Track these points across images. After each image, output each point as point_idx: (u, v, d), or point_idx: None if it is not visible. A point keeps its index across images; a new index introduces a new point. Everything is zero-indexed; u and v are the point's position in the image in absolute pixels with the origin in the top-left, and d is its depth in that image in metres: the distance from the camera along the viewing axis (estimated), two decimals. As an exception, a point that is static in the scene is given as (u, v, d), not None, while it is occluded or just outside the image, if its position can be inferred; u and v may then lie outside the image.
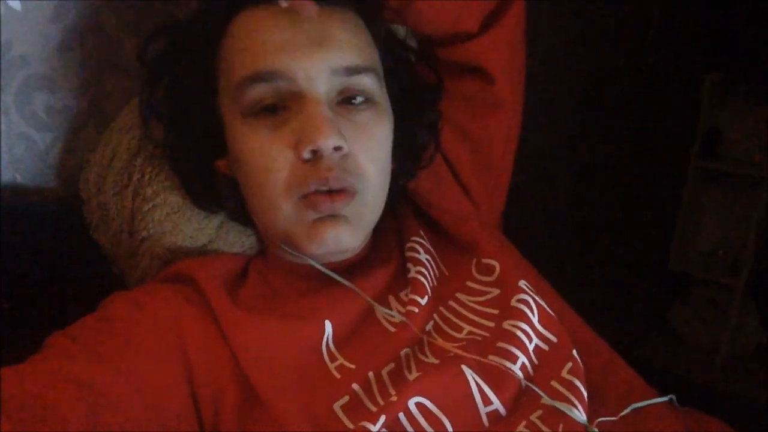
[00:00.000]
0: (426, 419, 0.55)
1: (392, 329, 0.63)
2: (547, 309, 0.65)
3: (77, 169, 0.78)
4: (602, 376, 0.62)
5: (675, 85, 2.11)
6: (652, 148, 2.10)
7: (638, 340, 2.05)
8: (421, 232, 0.73)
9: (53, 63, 0.76)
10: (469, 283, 0.69)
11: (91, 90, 0.80)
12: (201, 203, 0.70)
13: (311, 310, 0.62)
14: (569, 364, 0.60)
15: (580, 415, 0.56)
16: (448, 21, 0.73)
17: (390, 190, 0.66)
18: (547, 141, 1.62)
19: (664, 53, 2.00)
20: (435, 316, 0.65)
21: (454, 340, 0.62)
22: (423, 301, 0.64)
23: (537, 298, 0.65)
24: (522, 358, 0.60)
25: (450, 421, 0.55)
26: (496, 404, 0.57)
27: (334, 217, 0.60)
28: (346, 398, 0.56)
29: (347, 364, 0.60)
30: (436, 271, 0.70)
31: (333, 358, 0.60)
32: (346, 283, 0.64)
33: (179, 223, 0.70)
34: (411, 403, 0.55)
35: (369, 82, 0.63)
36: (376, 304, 0.64)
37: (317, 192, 0.59)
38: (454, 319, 0.65)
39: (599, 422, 0.56)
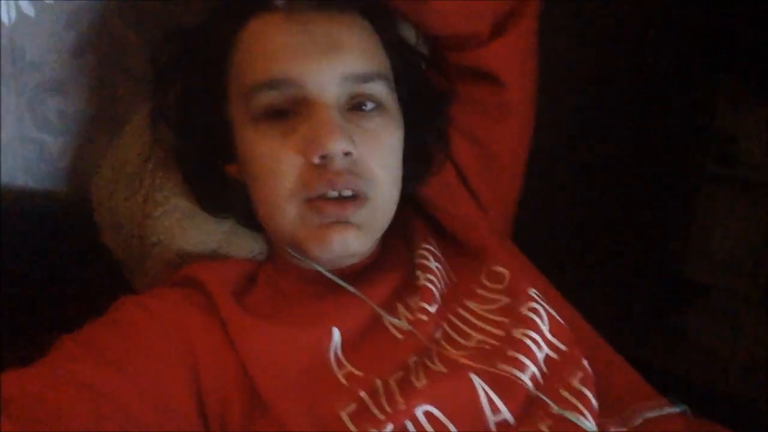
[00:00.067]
0: (433, 427, 0.54)
1: (400, 336, 0.62)
2: (558, 318, 0.64)
3: (89, 174, 0.79)
4: (611, 384, 0.61)
5: (684, 87, 2.09)
6: (653, 149, 2.08)
7: (646, 344, 2.02)
8: (431, 240, 0.72)
9: (66, 68, 0.77)
10: (479, 291, 0.68)
11: (103, 95, 0.81)
12: (211, 208, 0.70)
13: (319, 317, 0.62)
14: (579, 374, 0.59)
15: (590, 425, 0.55)
16: (459, 22, 0.73)
17: (400, 196, 0.66)
18: (548, 141, 1.60)
19: (664, 53, 1.98)
20: (444, 324, 0.65)
21: (463, 348, 0.62)
22: (432, 309, 0.63)
23: (547, 306, 0.65)
24: (531, 367, 0.59)
25: (458, 430, 0.55)
26: (505, 413, 0.56)
27: (341, 224, 0.60)
28: (354, 405, 0.56)
29: (355, 371, 0.59)
30: (446, 278, 0.69)
31: (341, 366, 0.60)
32: (353, 290, 0.64)
33: (189, 228, 0.70)
34: (419, 411, 0.55)
35: (379, 89, 0.63)
36: (383, 313, 0.64)
37: (326, 199, 0.59)
38: (463, 327, 0.65)
39: (609, 432, 0.56)
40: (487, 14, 0.73)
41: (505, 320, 0.64)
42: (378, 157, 0.62)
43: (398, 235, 0.73)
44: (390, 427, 0.53)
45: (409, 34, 0.75)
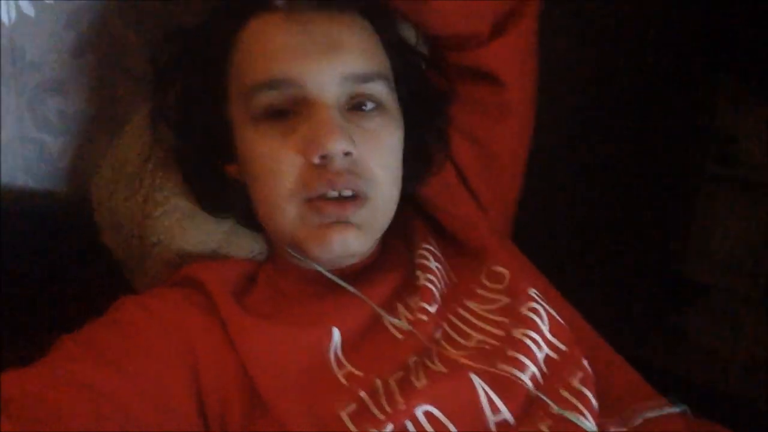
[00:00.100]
0: (433, 427, 0.54)
1: (400, 336, 0.62)
2: (558, 318, 0.64)
3: (89, 174, 0.79)
4: (611, 384, 0.61)
5: (684, 87, 2.09)
6: (653, 149, 2.08)
7: (646, 344, 2.02)
8: (431, 240, 0.72)
9: (66, 69, 0.77)
10: (479, 291, 0.68)
11: (103, 95, 0.81)
12: (210, 208, 0.70)
13: (319, 317, 0.62)
14: (579, 374, 0.59)
15: (589, 425, 0.55)
16: (459, 22, 0.73)
17: (400, 196, 0.66)
18: (548, 141, 1.60)
19: (664, 53, 1.98)
20: (444, 324, 0.65)
21: (463, 348, 0.62)
22: (432, 309, 0.63)
23: (547, 306, 0.65)
24: (531, 367, 0.59)
25: (458, 430, 0.54)
26: (505, 413, 0.56)
27: (341, 223, 0.60)
28: (353, 405, 0.56)
29: (355, 371, 0.59)
30: (446, 278, 0.69)
31: (340, 366, 0.60)
32: (353, 290, 0.64)
33: (189, 228, 0.70)
34: (419, 411, 0.55)
35: (379, 89, 0.63)
36: (383, 313, 0.64)
37: (325, 199, 0.59)
38: (463, 327, 0.65)
39: (609, 432, 0.56)
40: (487, 14, 0.73)
41: (505, 320, 0.64)
42: (378, 157, 0.62)
43: (398, 235, 0.73)
44: (390, 427, 0.53)
45: (409, 34, 0.75)
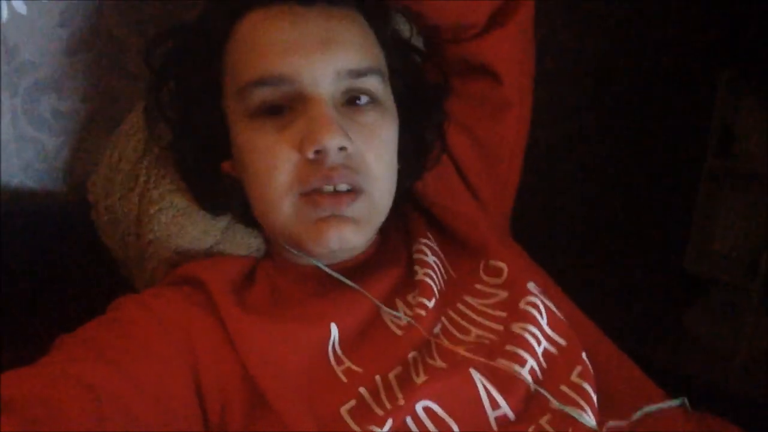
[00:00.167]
0: (434, 423, 0.54)
1: (399, 332, 0.62)
2: (556, 312, 0.64)
3: (85, 173, 0.79)
4: (611, 378, 0.61)
5: (683, 83, 2.09)
6: (658, 146, 2.08)
7: (647, 341, 2.02)
8: (429, 234, 0.72)
9: (60, 67, 0.77)
10: (477, 286, 0.68)
11: (98, 93, 0.80)
12: (207, 205, 0.70)
13: (317, 313, 0.62)
14: (578, 368, 0.59)
15: (589, 419, 0.55)
16: (455, 11, 0.73)
17: (396, 190, 0.66)
18: (553, 138, 1.61)
19: (673, 50, 1.98)
20: (443, 318, 0.65)
21: (462, 343, 0.62)
22: (430, 304, 0.63)
23: (546, 300, 0.64)
24: (531, 362, 0.59)
25: (458, 425, 0.54)
26: (505, 408, 0.56)
27: (337, 217, 0.60)
28: (353, 402, 0.56)
29: (354, 367, 0.59)
30: (444, 273, 0.69)
31: (340, 362, 0.60)
32: (352, 285, 0.64)
33: (185, 225, 0.70)
34: (419, 407, 0.55)
35: (374, 84, 0.63)
36: (383, 307, 0.64)
37: (321, 192, 0.59)
38: (462, 322, 0.64)
39: (609, 427, 0.55)
40: (483, 4, 0.73)
41: (504, 315, 0.64)
42: (373, 151, 0.61)
43: (396, 229, 0.73)
44: (390, 422, 0.53)
45: (404, 28, 0.74)
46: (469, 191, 0.80)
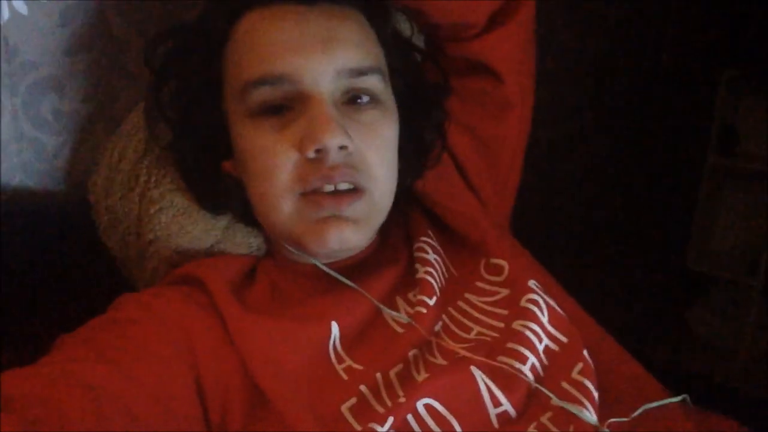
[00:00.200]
0: (435, 421, 0.54)
1: (400, 330, 0.62)
2: (558, 309, 0.64)
3: (86, 173, 0.79)
4: (612, 376, 0.61)
5: (685, 82, 2.09)
6: (659, 146, 2.09)
7: (648, 340, 2.02)
8: (430, 232, 0.72)
9: (60, 67, 0.76)
10: (478, 284, 0.68)
11: (98, 93, 0.80)
12: (207, 205, 0.70)
13: (318, 312, 0.62)
14: (579, 365, 0.59)
15: (590, 416, 0.55)
16: (456, 10, 0.73)
17: (397, 189, 0.66)
18: (554, 137, 1.61)
19: (674, 49, 1.98)
20: (444, 316, 0.65)
21: (463, 340, 0.62)
22: (431, 302, 0.63)
23: (547, 298, 0.64)
24: (532, 359, 0.59)
25: (459, 423, 0.54)
26: (506, 405, 0.56)
27: (338, 218, 0.60)
28: (354, 400, 0.56)
29: (354, 365, 0.59)
30: (445, 271, 0.69)
31: (340, 360, 0.60)
32: (351, 284, 0.63)
33: (186, 224, 0.70)
34: (419, 405, 0.55)
35: (374, 83, 0.63)
36: (382, 306, 0.64)
37: (321, 192, 0.59)
38: (463, 320, 0.64)
39: (610, 423, 0.55)
40: (484, 3, 0.73)
41: (505, 312, 0.63)
42: (374, 150, 0.61)
43: (398, 229, 0.73)
44: (391, 420, 0.53)
45: (405, 27, 0.74)
46: (470, 190, 0.80)
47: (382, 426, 0.53)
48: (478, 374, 0.57)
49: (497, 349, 0.59)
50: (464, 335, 0.63)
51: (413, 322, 0.61)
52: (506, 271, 0.67)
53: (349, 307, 0.63)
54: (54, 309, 0.68)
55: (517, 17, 0.75)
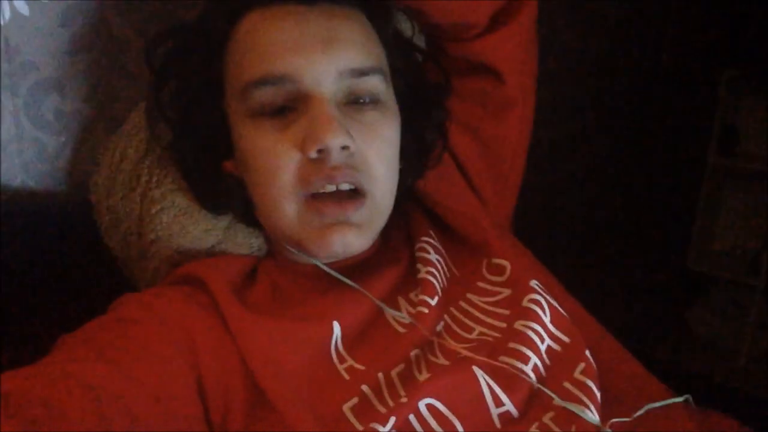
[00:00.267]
0: (437, 421, 0.54)
1: (402, 330, 0.62)
2: (560, 309, 0.64)
3: (87, 173, 0.79)
4: (614, 376, 0.61)
5: (686, 82, 2.09)
6: (660, 146, 2.09)
7: (649, 340, 2.02)
8: (431, 232, 0.72)
9: (62, 67, 0.76)
10: (480, 284, 0.68)
11: (100, 93, 0.80)
12: (208, 205, 0.70)
13: (319, 312, 0.62)
14: (582, 365, 0.59)
15: (592, 416, 0.55)
16: (458, 10, 0.72)
17: (398, 189, 0.66)
18: (556, 137, 1.61)
19: (674, 49, 1.98)
20: (445, 316, 0.64)
21: (465, 341, 0.62)
22: (433, 302, 0.63)
23: (549, 298, 0.64)
24: (534, 359, 0.59)
25: (461, 423, 0.54)
26: (508, 405, 0.56)
27: (341, 222, 0.60)
28: (355, 399, 0.56)
29: (356, 365, 0.59)
30: (447, 271, 0.69)
31: (342, 360, 0.60)
32: (353, 284, 0.63)
33: (187, 225, 0.70)
34: (421, 405, 0.55)
35: (376, 83, 0.63)
36: (384, 306, 0.63)
37: (324, 195, 0.59)
38: (465, 320, 0.64)
39: (612, 423, 0.55)
40: (485, 3, 0.73)
41: (507, 312, 0.63)
42: (376, 150, 0.61)
43: (399, 229, 0.73)
44: (392, 420, 0.53)
45: (406, 26, 0.74)
46: (471, 190, 0.80)
47: (384, 426, 0.52)
48: (480, 374, 0.57)
49: (499, 349, 0.59)
50: (466, 335, 0.62)
51: (415, 322, 0.61)
52: (508, 271, 0.67)
53: (350, 306, 0.63)
54: (54, 309, 0.68)
55: (519, 17, 0.75)
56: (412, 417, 0.54)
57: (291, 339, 0.59)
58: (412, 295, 0.65)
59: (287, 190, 0.60)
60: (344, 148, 0.58)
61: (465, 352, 0.59)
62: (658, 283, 2.22)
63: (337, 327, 0.61)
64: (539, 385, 0.57)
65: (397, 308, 0.64)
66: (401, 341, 0.61)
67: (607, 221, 1.94)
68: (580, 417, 0.55)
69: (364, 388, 0.56)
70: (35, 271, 0.72)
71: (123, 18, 0.80)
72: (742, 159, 2.28)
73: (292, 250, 0.65)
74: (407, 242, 0.72)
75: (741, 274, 2.26)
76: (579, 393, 0.57)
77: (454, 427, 0.54)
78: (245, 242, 0.72)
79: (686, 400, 0.62)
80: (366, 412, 0.55)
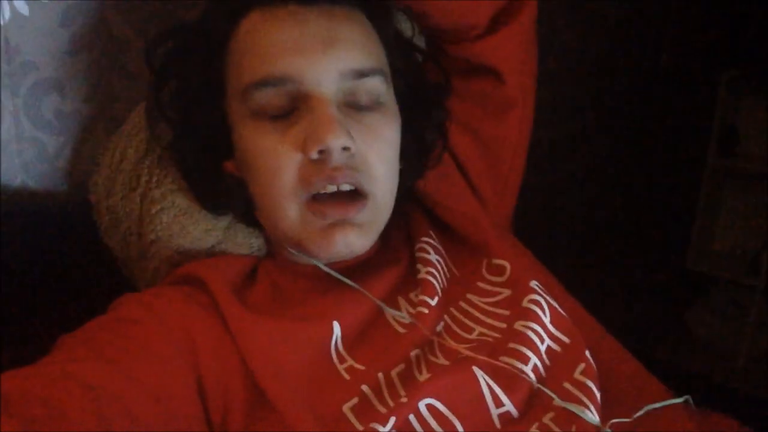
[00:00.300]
0: (437, 421, 0.54)
1: (402, 330, 0.62)
2: (559, 309, 0.64)
3: (87, 173, 0.78)
4: (614, 376, 0.61)
5: (686, 82, 2.09)
6: (659, 146, 2.09)
7: (648, 340, 2.02)
8: (431, 233, 0.72)
9: (62, 67, 0.76)
10: (480, 284, 0.68)
11: (99, 93, 0.80)
12: (208, 205, 0.70)
13: (319, 312, 0.62)
14: (582, 365, 0.59)
15: (592, 416, 0.55)
16: (458, 12, 0.72)
17: (398, 190, 0.66)
18: (556, 138, 1.61)
19: (674, 49, 1.98)
20: (445, 317, 0.65)
21: (465, 341, 0.62)
22: (433, 302, 0.63)
23: (549, 298, 0.64)
24: (534, 359, 0.59)
25: (461, 423, 0.54)
26: (508, 406, 0.56)
27: (343, 223, 0.60)
28: (356, 400, 0.56)
29: (356, 365, 0.59)
30: (447, 271, 0.69)
31: (342, 360, 0.60)
32: (353, 284, 0.63)
33: (187, 225, 0.70)
34: (421, 405, 0.55)
35: (376, 84, 0.63)
36: (384, 306, 0.63)
37: (324, 195, 0.59)
38: (465, 320, 0.64)
39: (612, 423, 0.55)
40: (485, 5, 0.73)
41: (507, 313, 0.63)
42: (376, 151, 0.61)
43: (399, 230, 0.73)
44: (393, 420, 0.53)
45: (406, 27, 0.74)
46: (471, 190, 0.80)
47: (384, 426, 0.52)
48: (480, 374, 0.57)
49: (499, 350, 0.59)
50: (466, 335, 0.62)
51: (415, 322, 0.61)
52: (508, 272, 0.67)
53: (350, 307, 0.63)
54: (54, 309, 0.68)
55: (519, 18, 0.75)
56: (412, 417, 0.54)
57: (291, 339, 0.59)
58: (412, 296, 0.65)
59: (288, 191, 0.60)
60: (345, 149, 0.58)
61: (465, 352, 0.59)
62: (658, 283, 2.22)
63: (337, 327, 0.61)
64: (539, 386, 0.57)
65: (397, 308, 0.64)
66: (401, 341, 0.61)
67: (607, 221, 1.94)
68: (580, 417, 0.55)
69: (364, 388, 0.56)
70: (35, 271, 0.72)
71: (123, 18, 0.80)
72: (742, 159, 2.28)
73: (293, 250, 0.65)
74: (407, 242, 0.72)
75: (741, 275, 2.26)
76: (579, 393, 0.57)
77: (454, 427, 0.54)
78: (245, 242, 0.72)
79: (686, 401, 0.62)
80: (366, 412, 0.55)
